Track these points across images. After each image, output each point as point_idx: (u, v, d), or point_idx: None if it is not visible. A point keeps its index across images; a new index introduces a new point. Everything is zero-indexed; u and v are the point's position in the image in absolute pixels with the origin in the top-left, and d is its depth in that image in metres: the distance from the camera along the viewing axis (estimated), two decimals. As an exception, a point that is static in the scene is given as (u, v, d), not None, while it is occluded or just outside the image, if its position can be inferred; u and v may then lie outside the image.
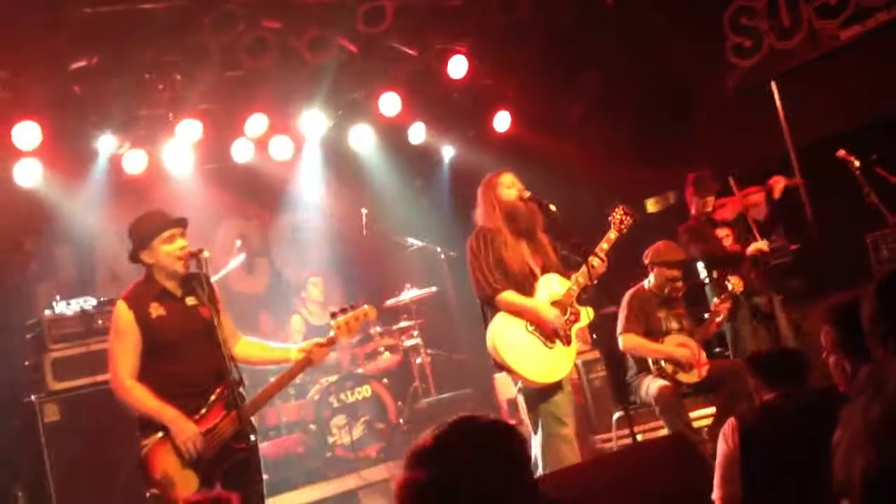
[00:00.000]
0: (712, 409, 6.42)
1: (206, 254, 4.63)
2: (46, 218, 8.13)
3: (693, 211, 7.11)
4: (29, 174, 7.48)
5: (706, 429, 6.43)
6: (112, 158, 7.93)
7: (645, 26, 8.71)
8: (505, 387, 7.62)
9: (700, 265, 7.27)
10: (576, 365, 7.56)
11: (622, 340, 6.40)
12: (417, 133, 9.13)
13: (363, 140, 9.07)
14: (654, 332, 6.41)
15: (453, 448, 1.81)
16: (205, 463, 4.44)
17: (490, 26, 8.22)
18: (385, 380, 8.06)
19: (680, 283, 6.51)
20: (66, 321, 6.95)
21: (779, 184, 6.88)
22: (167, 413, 4.42)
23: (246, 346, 4.86)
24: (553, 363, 5.09)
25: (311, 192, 9.59)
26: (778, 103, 8.04)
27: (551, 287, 5.20)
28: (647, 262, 6.61)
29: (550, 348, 5.10)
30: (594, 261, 5.14)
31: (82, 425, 6.69)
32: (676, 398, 6.16)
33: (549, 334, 5.11)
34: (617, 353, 6.53)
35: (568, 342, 5.15)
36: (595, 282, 5.18)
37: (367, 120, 8.90)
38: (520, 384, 5.20)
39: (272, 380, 4.77)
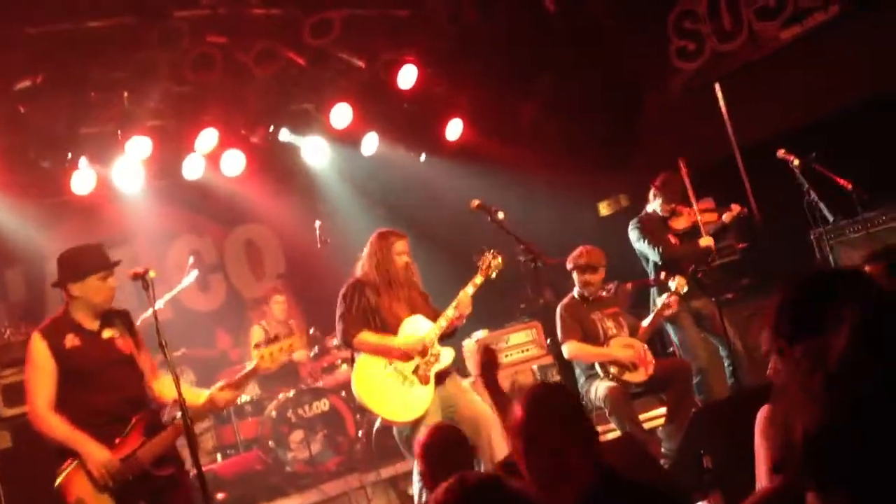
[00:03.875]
0: (664, 409, 6.51)
1: (151, 274, 4.73)
2: (-5, 240, 8.05)
3: (649, 209, 7.16)
4: (-25, 197, 7.39)
5: (659, 428, 6.52)
6: (61, 178, 7.83)
7: (592, 30, 8.80)
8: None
9: (651, 264, 7.29)
10: (532, 370, 7.69)
11: (565, 349, 6.56)
12: (370, 143, 9.12)
13: (316, 152, 9.04)
14: (593, 337, 6.56)
15: None
16: (121, 487, 4.49)
17: (438, 35, 8.27)
18: (343, 393, 8.02)
19: (594, 287, 6.68)
20: (14, 346, 6.85)
21: (734, 210, 7.04)
22: (78, 438, 4.50)
23: (163, 385, 4.91)
24: (410, 402, 5.42)
25: (263, 205, 9.55)
26: (722, 104, 8.16)
27: (415, 328, 5.56)
28: (568, 267, 6.73)
29: (408, 388, 5.43)
30: (454, 307, 5.56)
31: (35, 452, 6.57)
32: (625, 399, 6.27)
33: (407, 369, 5.44)
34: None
35: (426, 381, 5.46)
36: (459, 323, 5.67)
37: (319, 131, 8.88)
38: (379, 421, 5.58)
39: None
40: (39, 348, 4.62)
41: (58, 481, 4.49)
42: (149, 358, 4.92)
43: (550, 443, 2.64)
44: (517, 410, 2.74)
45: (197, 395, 4.87)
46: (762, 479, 3.18)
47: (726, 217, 7.03)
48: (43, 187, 7.97)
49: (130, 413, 4.63)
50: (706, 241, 6.83)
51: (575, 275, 6.72)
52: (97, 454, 4.45)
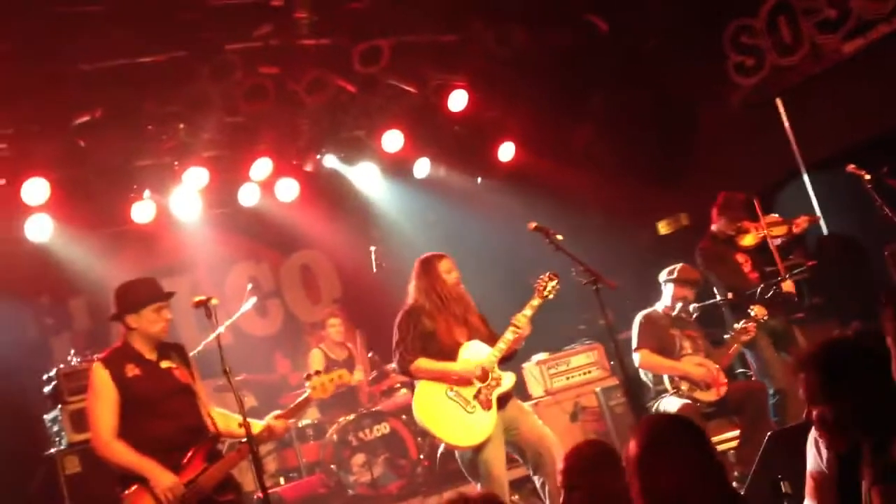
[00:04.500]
0: (736, 432, 6.35)
1: (213, 301, 4.81)
2: (59, 271, 8.22)
3: (714, 229, 7.06)
4: (39, 229, 7.53)
5: (731, 451, 6.36)
6: (121, 209, 7.97)
7: (645, 49, 8.71)
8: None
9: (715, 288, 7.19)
10: (595, 392, 7.58)
11: (638, 357, 6.47)
12: (422, 168, 9.14)
13: (369, 177, 9.09)
14: (668, 351, 6.46)
15: None
16: None
17: (488, 58, 8.24)
18: (403, 416, 7.98)
19: (691, 305, 6.57)
20: (81, 373, 6.97)
21: (804, 223, 6.91)
22: (145, 465, 4.55)
23: (216, 417, 4.94)
24: (473, 427, 5.35)
25: (318, 232, 9.61)
26: (784, 120, 7.99)
27: (474, 352, 5.49)
28: (663, 279, 6.62)
29: (470, 413, 5.36)
30: (513, 330, 5.47)
31: (103, 476, 6.65)
32: (698, 418, 6.10)
33: (468, 394, 5.36)
34: (635, 378, 6.52)
35: (488, 406, 5.38)
36: (518, 346, 5.59)
37: (372, 157, 8.92)
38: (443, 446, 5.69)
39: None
40: (101, 377, 4.69)
41: None
42: (203, 390, 4.99)
43: (668, 483, 2.41)
44: (632, 446, 2.54)
45: (253, 426, 4.86)
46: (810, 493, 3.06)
47: (796, 228, 6.89)
48: (103, 218, 8.13)
49: (190, 441, 4.68)
50: (788, 286, 6.65)
51: (671, 287, 6.60)
52: (164, 479, 4.50)
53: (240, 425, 4.71)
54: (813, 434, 3.19)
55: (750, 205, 6.92)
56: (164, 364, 4.83)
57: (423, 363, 5.43)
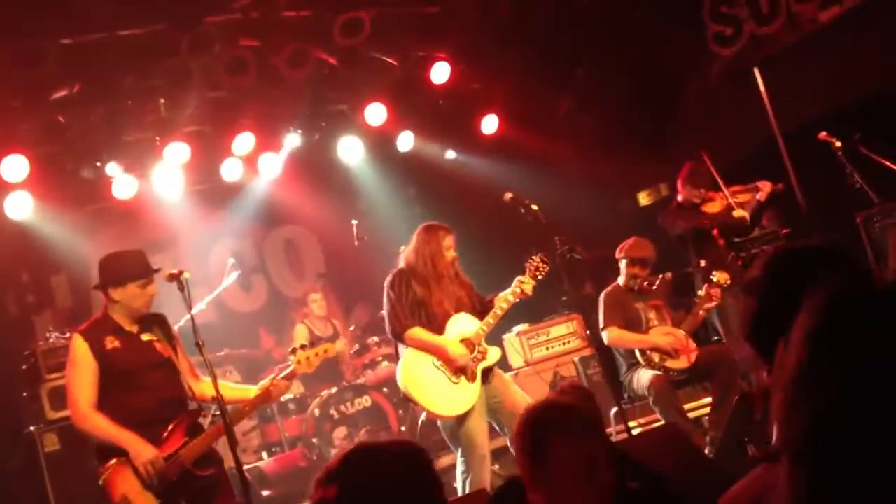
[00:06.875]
0: (709, 399, 6.42)
1: (186, 275, 4.77)
2: (40, 249, 8.18)
3: (680, 198, 7.14)
4: (19, 206, 7.49)
5: (707, 418, 6.43)
6: (101, 185, 7.95)
7: (626, 20, 8.70)
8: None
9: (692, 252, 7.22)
10: (573, 362, 7.64)
11: (605, 335, 6.49)
12: (406, 141, 9.12)
13: (351, 151, 9.07)
14: (635, 324, 6.48)
15: (356, 468, 1.89)
16: (165, 486, 4.53)
17: (470, 30, 8.22)
18: (385, 389, 8.04)
19: (641, 279, 6.58)
20: (59, 350, 6.98)
21: (766, 187, 6.95)
22: (125, 437, 4.53)
23: (205, 386, 4.89)
24: (457, 397, 5.39)
25: (301, 206, 9.61)
26: (761, 89, 8.01)
27: (462, 326, 5.52)
28: (617, 256, 6.65)
29: (455, 383, 5.41)
30: (500, 306, 5.51)
31: (82, 453, 6.69)
32: (669, 387, 6.18)
33: (455, 370, 5.41)
34: (610, 349, 6.57)
35: (473, 378, 5.42)
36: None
37: (354, 131, 8.91)
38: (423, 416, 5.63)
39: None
40: (81, 348, 4.66)
41: (102, 478, 4.54)
42: (187, 360, 4.98)
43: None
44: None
45: (246, 391, 4.94)
46: None
47: (761, 195, 6.95)
48: (84, 195, 8.10)
49: (170, 415, 4.67)
50: (739, 213, 6.75)
51: (623, 264, 6.61)
52: (145, 452, 4.49)
53: (215, 398, 4.64)
54: None
55: (712, 176, 6.97)
56: (146, 337, 4.80)
57: (417, 332, 5.42)
